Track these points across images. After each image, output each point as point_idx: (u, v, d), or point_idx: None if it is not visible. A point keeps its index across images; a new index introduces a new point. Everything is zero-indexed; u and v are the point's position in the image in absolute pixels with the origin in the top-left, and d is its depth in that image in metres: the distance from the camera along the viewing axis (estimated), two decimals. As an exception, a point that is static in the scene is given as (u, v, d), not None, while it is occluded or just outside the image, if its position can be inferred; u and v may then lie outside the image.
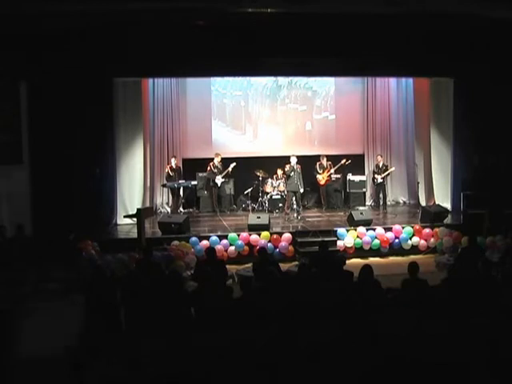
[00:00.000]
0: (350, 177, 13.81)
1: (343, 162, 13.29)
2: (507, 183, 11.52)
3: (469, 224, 10.83)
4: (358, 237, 10.66)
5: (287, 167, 12.19)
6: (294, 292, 5.87)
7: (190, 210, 13.36)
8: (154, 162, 13.47)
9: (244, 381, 4.32)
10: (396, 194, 14.55)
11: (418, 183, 13.38)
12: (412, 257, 10.20)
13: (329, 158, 13.51)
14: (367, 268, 6.18)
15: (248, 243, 10.38)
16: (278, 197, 13.06)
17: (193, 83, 13.93)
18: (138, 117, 12.13)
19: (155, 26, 10.06)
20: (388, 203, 13.85)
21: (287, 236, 10.48)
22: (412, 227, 10.91)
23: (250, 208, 13.13)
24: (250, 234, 10.46)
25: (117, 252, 9.28)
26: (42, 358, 5.83)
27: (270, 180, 13.18)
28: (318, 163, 13.40)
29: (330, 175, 13.38)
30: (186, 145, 14.03)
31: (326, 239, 10.28)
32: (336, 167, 13.33)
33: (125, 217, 10.77)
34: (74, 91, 10.74)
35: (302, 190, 12.26)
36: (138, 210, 10.02)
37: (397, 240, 10.77)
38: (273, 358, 4.40)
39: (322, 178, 13.36)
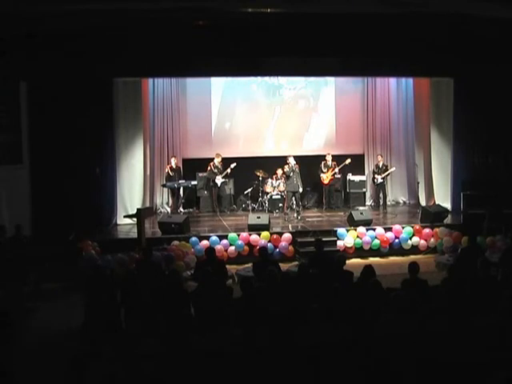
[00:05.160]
0: (349, 177, 13.82)
1: (347, 161, 13.31)
2: (507, 183, 11.52)
3: (469, 224, 10.83)
4: (358, 237, 10.66)
5: (286, 167, 12.20)
6: (294, 292, 5.87)
7: (190, 209, 13.36)
8: (154, 162, 13.48)
9: (244, 381, 4.32)
10: (396, 194, 14.56)
11: (418, 183, 13.40)
12: (412, 257, 10.21)
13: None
14: (369, 268, 6.18)
15: (248, 243, 10.38)
16: (278, 197, 13.05)
17: (193, 83, 13.94)
18: (137, 117, 12.13)
19: (155, 26, 10.06)
20: (388, 203, 13.86)
21: (287, 236, 10.48)
22: (412, 227, 10.91)
23: (250, 208, 13.13)
24: (250, 234, 10.46)
25: (117, 252, 9.28)
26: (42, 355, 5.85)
27: (269, 180, 13.18)
28: (323, 162, 13.40)
29: (333, 174, 13.39)
30: (186, 145, 14.03)
31: (326, 239, 10.31)
32: (340, 166, 13.34)
33: (125, 217, 10.77)
34: (73, 91, 10.76)
35: (301, 190, 12.26)
36: (137, 209, 10.02)
37: (397, 240, 10.77)
38: (273, 358, 4.40)
39: (326, 177, 13.36)
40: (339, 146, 14.33)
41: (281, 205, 13.01)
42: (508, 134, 11.97)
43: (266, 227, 10.66)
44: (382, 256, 10.73)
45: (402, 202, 14.53)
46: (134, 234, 10.18)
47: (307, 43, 10.62)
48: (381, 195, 13.73)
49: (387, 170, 13.57)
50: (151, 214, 11.70)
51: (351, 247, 10.61)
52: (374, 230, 10.78)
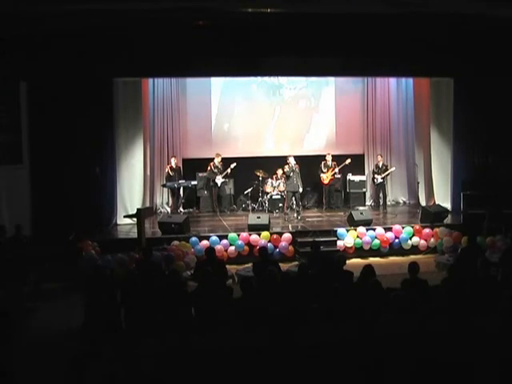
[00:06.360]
0: (349, 177, 13.82)
1: (347, 161, 13.32)
2: (507, 183, 11.52)
3: (469, 224, 10.83)
4: (358, 237, 10.66)
5: (286, 167, 12.20)
6: (294, 292, 5.87)
7: (190, 209, 13.36)
8: (154, 162, 13.48)
9: (244, 381, 4.32)
10: (396, 194, 14.56)
11: (418, 183, 13.40)
12: (412, 257, 10.20)
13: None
14: (369, 268, 6.18)
15: (248, 243, 10.38)
16: (278, 197, 13.05)
17: (193, 83, 13.94)
18: (138, 117, 12.13)
19: (155, 26, 10.06)
20: (388, 203, 13.86)
21: (287, 236, 10.48)
22: (412, 227, 10.90)
23: (250, 208, 13.13)
24: (250, 234, 10.46)
25: (117, 252, 9.28)
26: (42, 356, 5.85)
27: (269, 180, 13.17)
28: (323, 162, 13.40)
29: (333, 174, 13.39)
30: (186, 145, 14.03)
31: (326, 239, 10.35)
32: (340, 166, 13.34)
33: (125, 217, 10.77)
34: (73, 91, 10.76)
35: (300, 190, 12.26)
36: (137, 209, 10.01)
37: (397, 240, 10.76)
38: (273, 358, 4.40)
39: (326, 178, 13.36)
40: (339, 145, 14.33)
41: (281, 205, 13.01)
42: (508, 133, 11.97)
43: (266, 227, 10.66)
44: (382, 256, 10.72)
45: (401, 202, 14.53)
46: (134, 234, 10.18)
47: (307, 43, 10.61)
48: (381, 195, 13.74)
49: (387, 170, 13.58)
50: (151, 214, 11.70)
51: (351, 247, 10.61)
52: (374, 230, 10.78)
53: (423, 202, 13.22)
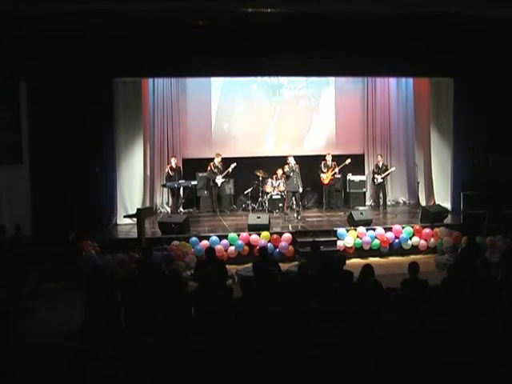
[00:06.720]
0: (349, 177, 13.83)
1: (347, 161, 13.32)
2: (507, 183, 11.52)
3: (469, 224, 10.83)
4: (358, 237, 10.66)
5: (286, 167, 12.20)
6: (294, 292, 5.87)
7: (190, 209, 13.36)
8: (154, 162, 13.48)
9: (244, 380, 4.32)
10: (396, 194, 14.56)
11: (418, 183, 13.40)
12: (412, 257, 10.20)
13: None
14: (368, 268, 6.18)
15: (248, 243, 10.38)
16: (278, 197, 13.05)
17: (193, 83, 13.94)
18: (138, 117, 12.13)
19: (155, 26, 10.06)
20: (388, 203, 13.86)
21: (287, 236, 10.48)
22: (412, 227, 10.90)
23: (250, 208, 13.13)
24: (250, 234, 10.46)
25: (117, 252, 9.28)
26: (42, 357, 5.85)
27: (269, 180, 13.17)
28: (322, 162, 13.40)
29: (333, 174, 13.39)
30: (186, 145, 14.03)
31: (326, 239, 10.34)
32: (340, 166, 13.34)
33: (125, 217, 10.77)
34: (73, 91, 10.76)
35: (301, 190, 12.26)
36: (137, 209, 10.02)
37: (397, 240, 10.76)
38: (273, 358, 4.40)
39: (326, 177, 13.36)
40: (339, 145, 14.33)
41: (281, 205, 13.01)
42: (508, 133, 11.97)
43: (266, 227, 10.66)
44: (381, 256, 10.72)
45: (401, 202, 14.53)
46: (134, 234, 10.18)
47: (307, 43, 10.61)
48: (381, 195, 13.74)
49: (387, 170, 13.58)
50: (151, 214, 11.70)
51: (351, 247, 10.61)
52: (374, 230, 10.77)
53: (423, 202, 13.22)
